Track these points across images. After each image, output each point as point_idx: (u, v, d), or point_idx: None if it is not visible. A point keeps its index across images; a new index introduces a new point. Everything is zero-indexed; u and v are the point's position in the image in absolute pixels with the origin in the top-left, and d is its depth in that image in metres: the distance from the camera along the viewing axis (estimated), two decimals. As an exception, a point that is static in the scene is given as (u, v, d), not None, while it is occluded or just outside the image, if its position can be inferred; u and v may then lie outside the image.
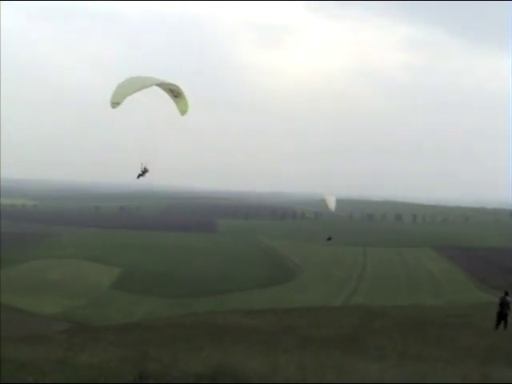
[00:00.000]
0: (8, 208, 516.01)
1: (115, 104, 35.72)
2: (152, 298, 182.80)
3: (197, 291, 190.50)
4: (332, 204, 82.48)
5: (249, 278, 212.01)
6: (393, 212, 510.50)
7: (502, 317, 43.05)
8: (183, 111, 42.55)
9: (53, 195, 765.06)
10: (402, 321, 53.29)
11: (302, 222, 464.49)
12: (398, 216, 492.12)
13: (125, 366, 20.40)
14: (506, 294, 43.45)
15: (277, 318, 60.56)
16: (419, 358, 27.95)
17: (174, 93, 41.12)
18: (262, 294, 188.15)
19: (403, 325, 49.25)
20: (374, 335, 41.14)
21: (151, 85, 38.36)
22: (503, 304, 42.95)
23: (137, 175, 44.21)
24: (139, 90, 37.01)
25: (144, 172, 43.79)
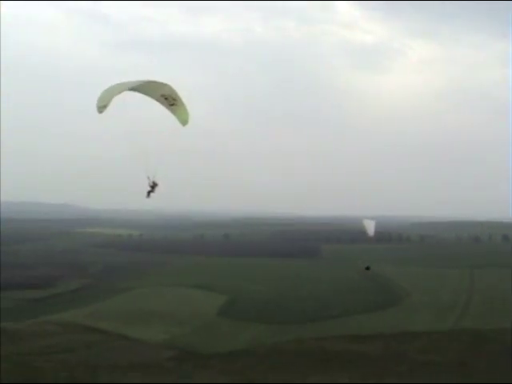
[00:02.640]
0: (115, 238, 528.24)
1: (102, 108, 34.48)
2: (257, 324, 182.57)
3: (302, 317, 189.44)
4: (370, 229, 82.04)
5: (354, 303, 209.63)
6: (499, 232, 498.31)
7: None
8: (184, 121, 39.79)
9: (158, 224, 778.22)
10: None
11: (407, 245, 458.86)
12: (505, 236, 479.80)
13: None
14: None
15: (384, 343, 59.85)
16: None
17: (169, 100, 38.28)
18: (367, 319, 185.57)
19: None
20: (484, 360, 40.03)
21: (136, 85, 36.34)
22: None
23: (146, 193, 41.59)
24: (124, 90, 35.52)
25: (153, 187, 41.31)
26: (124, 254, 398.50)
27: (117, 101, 37.17)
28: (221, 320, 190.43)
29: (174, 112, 39.03)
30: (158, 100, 38.31)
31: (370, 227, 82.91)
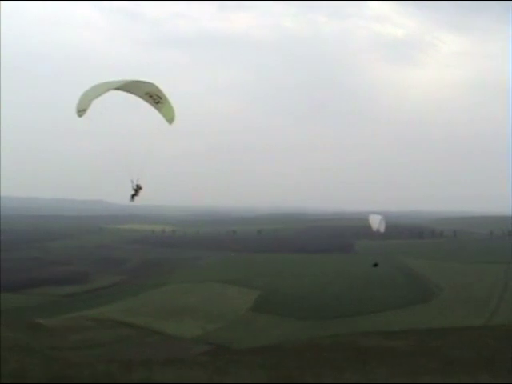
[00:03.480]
0: (148, 233, 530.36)
1: (81, 112, 33.60)
2: (290, 320, 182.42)
3: (335, 313, 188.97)
4: (375, 224, 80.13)
5: (387, 299, 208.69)
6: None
7: None
8: (170, 119, 38.74)
9: (191, 220, 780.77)
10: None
11: (440, 240, 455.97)
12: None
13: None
14: None
15: (417, 339, 59.19)
16: None
17: (154, 98, 37.52)
18: (401, 314, 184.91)
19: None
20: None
21: (119, 85, 35.59)
22: None
23: (130, 196, 41.15)
24: (106, 91, 34.66)
25: (137, 190, 40.84)
26: (157, 249, 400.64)
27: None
28: (254, 315, 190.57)
29: (159, 110, 38.32)
30: (142, 98, 37.64)
31: (375, 222, 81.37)
